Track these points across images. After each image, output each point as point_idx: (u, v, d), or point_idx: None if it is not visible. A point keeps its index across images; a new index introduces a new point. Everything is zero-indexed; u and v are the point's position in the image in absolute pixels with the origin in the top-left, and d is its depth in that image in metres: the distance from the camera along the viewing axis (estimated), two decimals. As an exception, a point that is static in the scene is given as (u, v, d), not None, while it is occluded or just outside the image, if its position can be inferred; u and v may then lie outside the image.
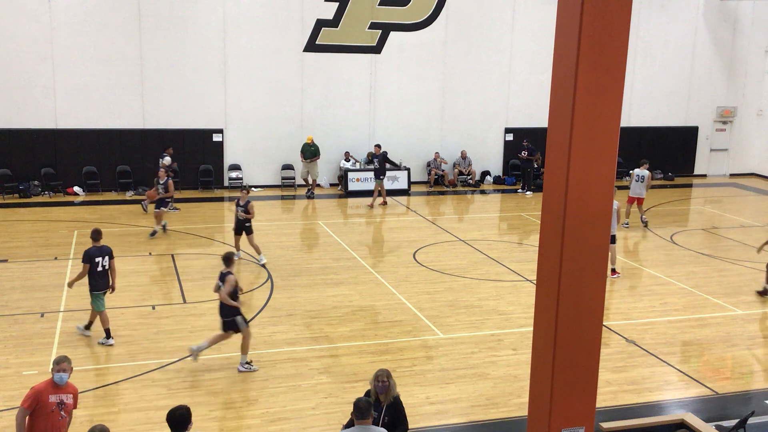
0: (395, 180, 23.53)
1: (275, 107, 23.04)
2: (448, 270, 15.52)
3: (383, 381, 7.41)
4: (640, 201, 19.31)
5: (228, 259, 10.79)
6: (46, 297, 13.25)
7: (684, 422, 8.52)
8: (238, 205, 15.47)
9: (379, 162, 21.30)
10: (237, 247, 15.75)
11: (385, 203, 21.47)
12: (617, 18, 6.22)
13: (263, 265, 15.31)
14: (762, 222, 20.84)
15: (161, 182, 17.53)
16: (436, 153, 24.42)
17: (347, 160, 23.59)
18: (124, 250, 16.29)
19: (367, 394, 7.54)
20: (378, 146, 21.67)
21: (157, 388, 9.98)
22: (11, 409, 9.28)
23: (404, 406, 7.60)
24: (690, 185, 26.46)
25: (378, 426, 7.03)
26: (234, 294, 10.52)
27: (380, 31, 23.37)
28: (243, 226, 15.53)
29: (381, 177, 21.28)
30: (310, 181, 22.60)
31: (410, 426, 7.72)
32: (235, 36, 22.35)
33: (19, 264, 15.15)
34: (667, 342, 12.11)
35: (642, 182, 19.07)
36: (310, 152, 22.34)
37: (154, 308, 12.87)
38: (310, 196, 22.36)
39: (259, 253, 15.56)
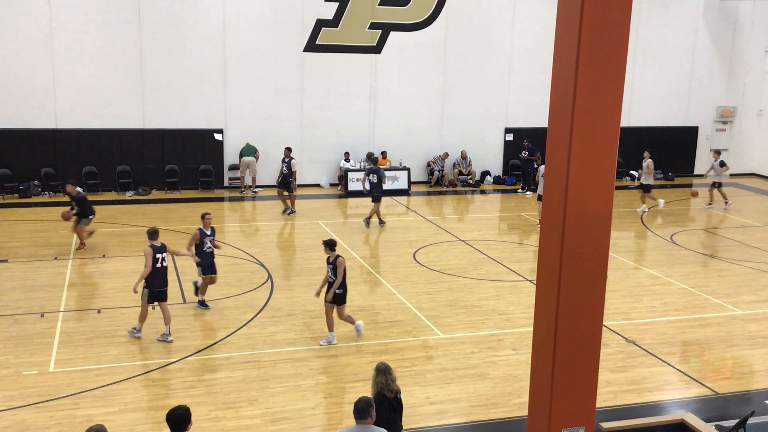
0: (395, 180, 23.52)
1: (275, 107, 23.03)
2: (448, 270, 15.51)
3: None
4: None
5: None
6: (46, 297, 13.26)
7: (684, 422, 8.51)
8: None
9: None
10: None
11: None
12: (617, 18, 6.22)
13: None
14: (762, 222, 20.84)
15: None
16: (446, 153, 24.42)
17: (347, 160, 23.58)
18: (124, 250, 16.31)
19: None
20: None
21: (157, 388, 9.98)
22: (11, 409, 9.30)
23: (403, 406, 7.52)
24: (690, 185, 26.39)
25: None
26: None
27: (380, 31, 23.36)
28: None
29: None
30: (249, 182, 22.66)
31: (410, 426, 7.71)
32: (235, 36, 22.34)
33: (19, 264, 15.15)
34: (667, 342, 12.11)
35: None
36: (252, 149, 22.53)
37: (154, 308, 12.85)
38: (255, 194, 22.46)
39: None
